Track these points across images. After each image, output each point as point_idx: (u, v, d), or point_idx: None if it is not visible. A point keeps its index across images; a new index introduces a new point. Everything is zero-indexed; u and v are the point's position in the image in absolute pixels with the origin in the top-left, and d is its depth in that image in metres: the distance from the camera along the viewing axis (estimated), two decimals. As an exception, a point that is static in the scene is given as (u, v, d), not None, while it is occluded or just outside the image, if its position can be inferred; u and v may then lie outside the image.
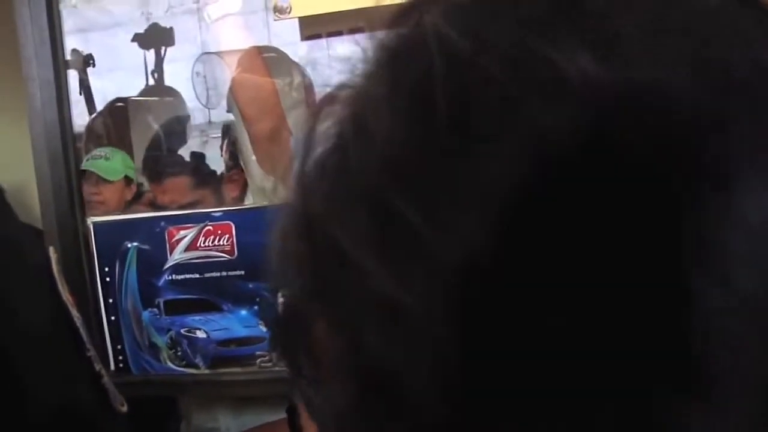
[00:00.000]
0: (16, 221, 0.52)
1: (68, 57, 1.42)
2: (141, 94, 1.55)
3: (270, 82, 1.35)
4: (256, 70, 1.34)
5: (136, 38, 1.44)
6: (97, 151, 1.69)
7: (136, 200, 1.62)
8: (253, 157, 1.38)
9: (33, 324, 0.43)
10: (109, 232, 1.26)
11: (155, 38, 1.44)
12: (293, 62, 1.51)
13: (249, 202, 1.39)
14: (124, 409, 0.51)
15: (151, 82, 1.51)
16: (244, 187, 1.47)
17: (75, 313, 0.48)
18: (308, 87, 1.52)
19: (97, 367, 0.49)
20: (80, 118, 1.43)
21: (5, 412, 0.39)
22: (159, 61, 1.50)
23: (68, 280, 1.20)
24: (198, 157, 1.52)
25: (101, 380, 0.48)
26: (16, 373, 0.41)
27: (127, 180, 1.77)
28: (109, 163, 1.69)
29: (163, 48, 1.47)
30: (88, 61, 1.55)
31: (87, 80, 1.52)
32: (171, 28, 1.43)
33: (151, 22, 1.42)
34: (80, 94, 1.52)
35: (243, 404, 1.37)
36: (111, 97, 1.52)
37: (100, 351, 1.22)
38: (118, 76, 1.56)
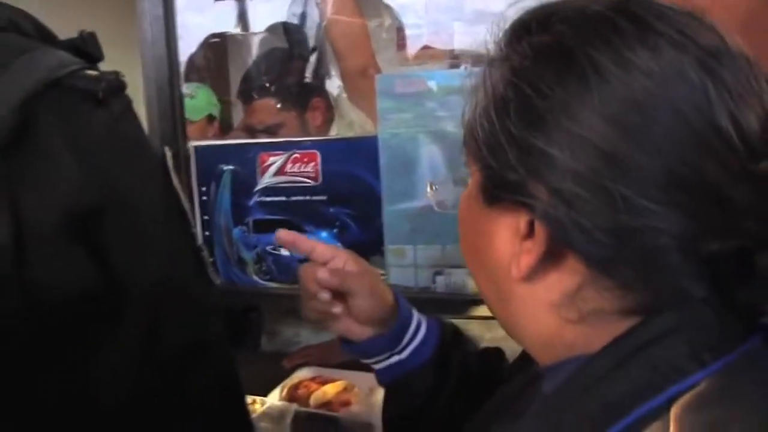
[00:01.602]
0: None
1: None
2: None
3: (361, 22, 1.38)
4: (349, 10, 1.37)
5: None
6: (184, 88, 1.74)
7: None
8: (344, 95, 1.44)
9: (149, 205, 0.52)
10: (208, 155, 1.33)
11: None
12: (385, 5, 1.55)
13: (333, 132, 1.44)
14: (218, 281, 0.60)
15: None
16: (326, 117, 1.52)
17: (183, 198, 0.57)
18: (399, 29, 1.56)
19: (199, 242, 0.58)
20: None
21: (117, 275, 0.48)
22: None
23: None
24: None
25: (201, 253, 0.57)
26: (127, 247, 0.49)
27: (210, 118, 1.81)
28: (193, 102, 1.69)
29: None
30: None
31: (245, 12, 1.57)
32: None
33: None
34: (237, 24, 1.57)
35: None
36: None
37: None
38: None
